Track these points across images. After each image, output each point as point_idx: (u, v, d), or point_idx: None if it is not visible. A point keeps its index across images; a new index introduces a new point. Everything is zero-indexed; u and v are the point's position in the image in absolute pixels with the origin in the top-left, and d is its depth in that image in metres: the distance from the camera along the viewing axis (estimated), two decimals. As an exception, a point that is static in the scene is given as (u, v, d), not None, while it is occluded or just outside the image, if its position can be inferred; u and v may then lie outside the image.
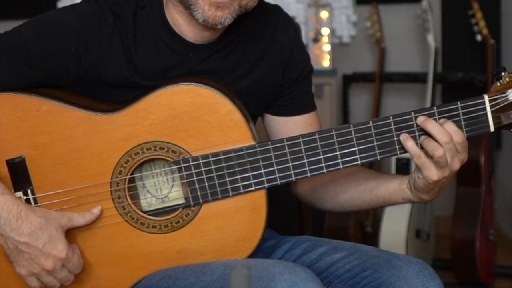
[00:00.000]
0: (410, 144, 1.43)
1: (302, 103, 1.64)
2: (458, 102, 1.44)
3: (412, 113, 1.44)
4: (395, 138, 1.44)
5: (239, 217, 1.49)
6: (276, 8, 1.62)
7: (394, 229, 2.89)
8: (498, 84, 1.45)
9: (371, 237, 3.07)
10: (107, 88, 1.49)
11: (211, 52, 1.53)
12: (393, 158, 2.98)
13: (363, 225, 3.11)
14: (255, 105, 1.58)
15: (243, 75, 1.56)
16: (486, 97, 1.44)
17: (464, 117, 1.44)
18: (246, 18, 1.54)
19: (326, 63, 3.33)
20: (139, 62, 1.48)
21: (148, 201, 1.53)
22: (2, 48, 1.45)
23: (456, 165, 1.43)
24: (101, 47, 1.46)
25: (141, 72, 1.49)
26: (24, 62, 1.45)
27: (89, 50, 1.46)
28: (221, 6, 1.42)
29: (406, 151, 1.45)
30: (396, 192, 1.52)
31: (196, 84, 1.46)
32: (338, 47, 3.63)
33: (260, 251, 1.60)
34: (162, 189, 1.53)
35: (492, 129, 1.45)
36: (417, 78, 3.39)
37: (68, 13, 1.48)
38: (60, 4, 3.41)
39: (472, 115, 1.44)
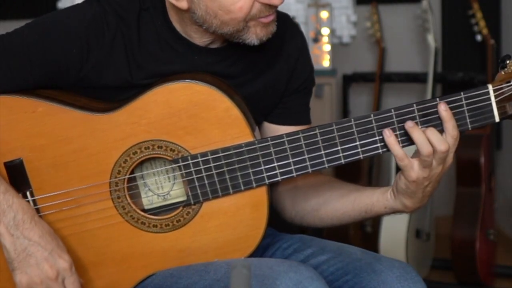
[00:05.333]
0: (396, 147, 1.41)
1: (297, 113, 1.61)
2: (462, 93, 1.40)
3: (414, 105, 1.41)
4: (398, 132, 1.42)
5: (241, 215, 1.48)
6: (285, 17, 1.59)
7: (394, 229, 2.88)
8: (503, 73, 1.40)
9: (371, 237, 3.06)
10: (108, 90, 1.48)
11: (218, 59, 1.52)
12: (393, 158, 2.96)
13: (363, 225, 3.10)
14: (256, 113, 1.55)
15: (246, 82, 1.54)
16: (490, 87, 1.40)
17: (468, 107, 1.40)
18: None
19: (326, 63, 3.32)
20: (143, 64, 1.47)
21: (150, 199, 1.52)
22: (3, 49, 1.44)
23: (444, 168, 1.41)
24: (103, 50, 1.45)
25: (145, 74, 1.47)
26: (25, 65, 1.44)
27: (91, 53, 1.45)
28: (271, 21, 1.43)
29: (409, 144, 1.41)
30: (379, 201, 1.49)
31: (193, 81, 1.44)
32: (338, 47, 3.62)
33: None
34: (163, 187, 1.52)
35: (497, 119, 1.40)
36: (417, 78, 3.38)
37: (71, 15, 1.47)
38: (60, 4, 3.41)
39: (476, 105, 1.40)
